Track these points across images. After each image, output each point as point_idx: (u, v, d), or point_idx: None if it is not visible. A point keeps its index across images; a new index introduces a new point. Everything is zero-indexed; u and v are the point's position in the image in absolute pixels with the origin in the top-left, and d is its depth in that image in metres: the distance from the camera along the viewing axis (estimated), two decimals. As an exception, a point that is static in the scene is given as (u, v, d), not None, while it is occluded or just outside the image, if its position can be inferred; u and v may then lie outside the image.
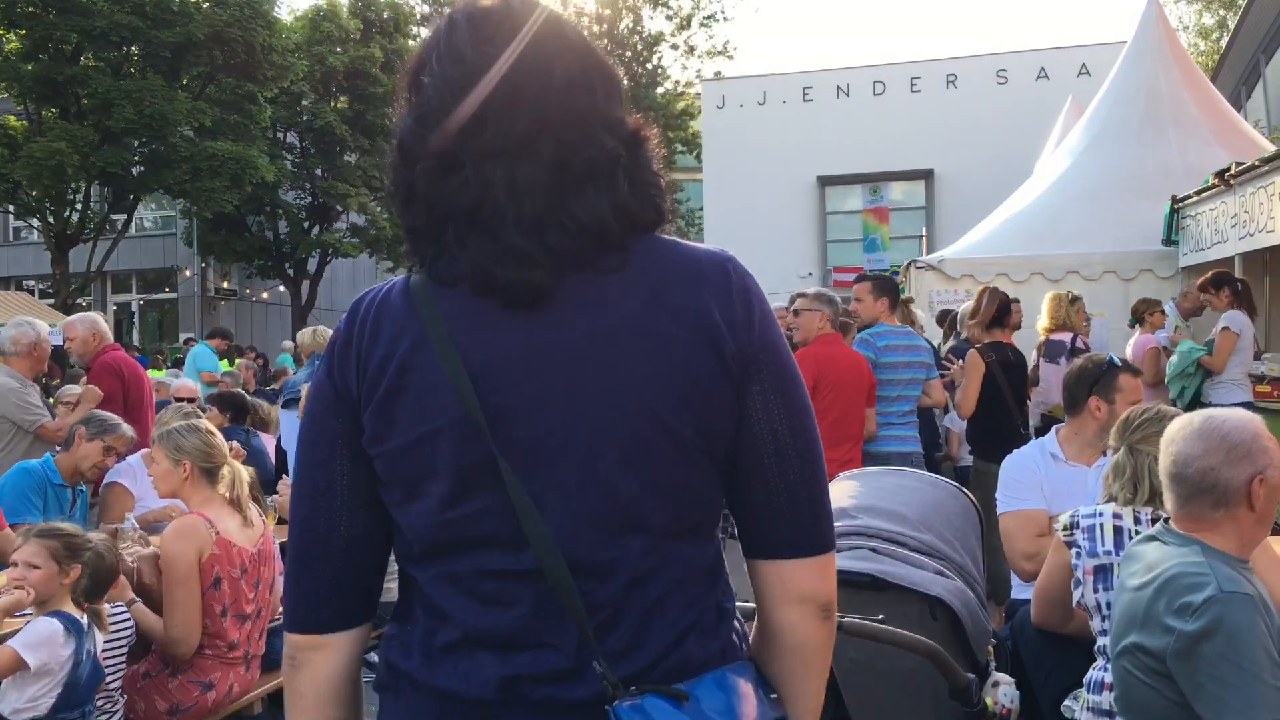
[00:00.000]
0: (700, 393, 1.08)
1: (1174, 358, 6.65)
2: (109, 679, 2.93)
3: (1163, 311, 7.34)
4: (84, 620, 2.79)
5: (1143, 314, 7.50)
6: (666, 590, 1.08)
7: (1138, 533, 2.43)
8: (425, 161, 1.09)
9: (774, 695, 1.15)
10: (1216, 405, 6.10)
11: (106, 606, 2.95)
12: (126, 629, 3.09)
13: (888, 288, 5.30)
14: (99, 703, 2.89)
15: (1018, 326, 7.84)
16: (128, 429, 4.40)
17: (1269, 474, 2.00)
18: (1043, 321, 6.63)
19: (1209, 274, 6.87)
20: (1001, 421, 5.24)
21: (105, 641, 2.89)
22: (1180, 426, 2.09)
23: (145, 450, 4.69)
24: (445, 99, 1.08)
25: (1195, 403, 6.33)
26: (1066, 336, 6.42)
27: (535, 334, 1.07)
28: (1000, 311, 5.56)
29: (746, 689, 1.08)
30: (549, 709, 1.04)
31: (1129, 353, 6.96)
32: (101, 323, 5.82)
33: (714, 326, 1.09)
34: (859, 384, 4.69)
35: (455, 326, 1.07)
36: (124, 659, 3.08)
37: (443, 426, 1.06)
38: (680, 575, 1.10)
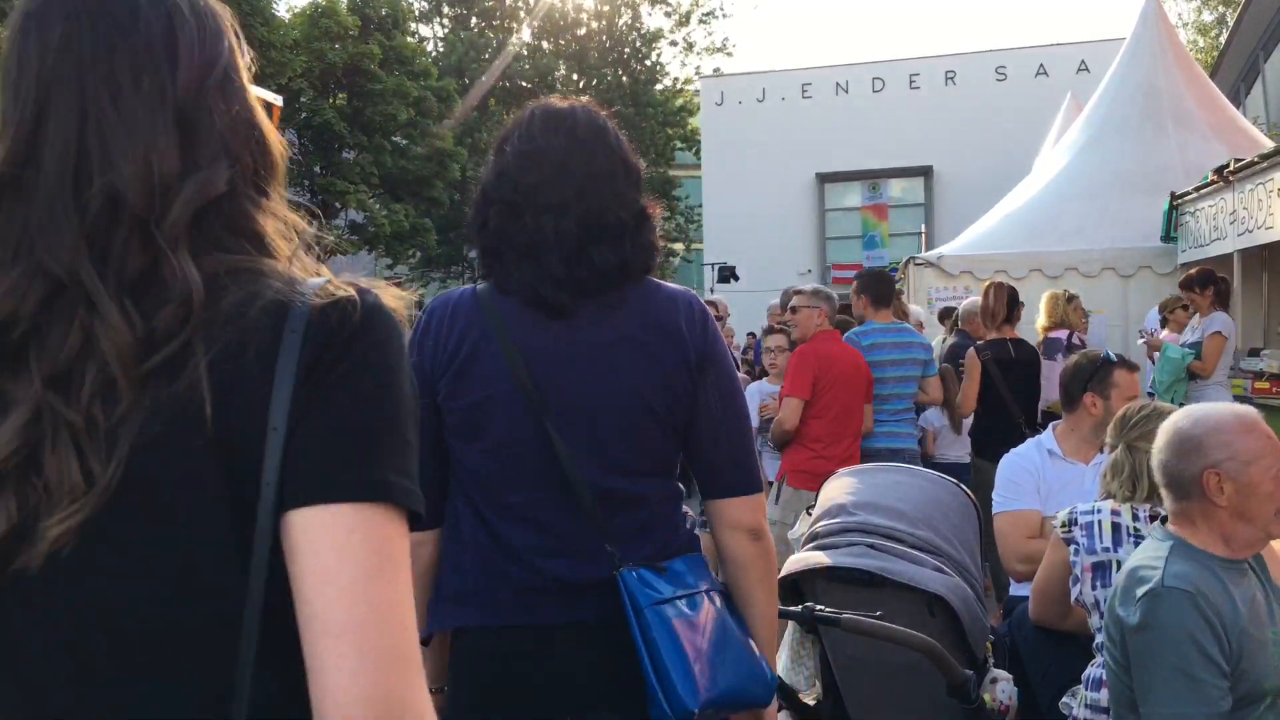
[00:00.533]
0: (670, 385, 1.59)
1: (1160, 363, 6.60)
2: None
3: (1184, 308, 7.02)
4: None
5: (1174, 308, 7.23)
6: (647, 509, 1.61)
7: (1136, 529, 2.44)
8: (498, 205, 1.61)
9: (722, 580, 1.68)
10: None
11: None
12: None
13: (869, 284, 5.28)
14: None
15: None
16: None
17: (1226, 466, 1.99)
18: (1040, 320, 6.64)
19: (1193, 271, 6.76)
20: (997, 419, 5.24)
21: None
22: (1174, 424, 2.11)
23: None
24: (518, 165, 1.61)
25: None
26: (1064, 334, 6.44)
27: (564, 337, 1.57)
28: (1010, 305, 5.57)
29: (703, 565, 1.64)
30: (576, 590, 1.54)
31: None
32: None
33: (683, 342, 1.60)
34: (858, 381, 4.69)
35: (511, 325, 1.57)
36: None
37: (496, 394, 1.55)
38: (655, 500, 1.63)
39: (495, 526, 1.58)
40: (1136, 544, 2.42)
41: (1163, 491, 2.11)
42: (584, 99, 1.79)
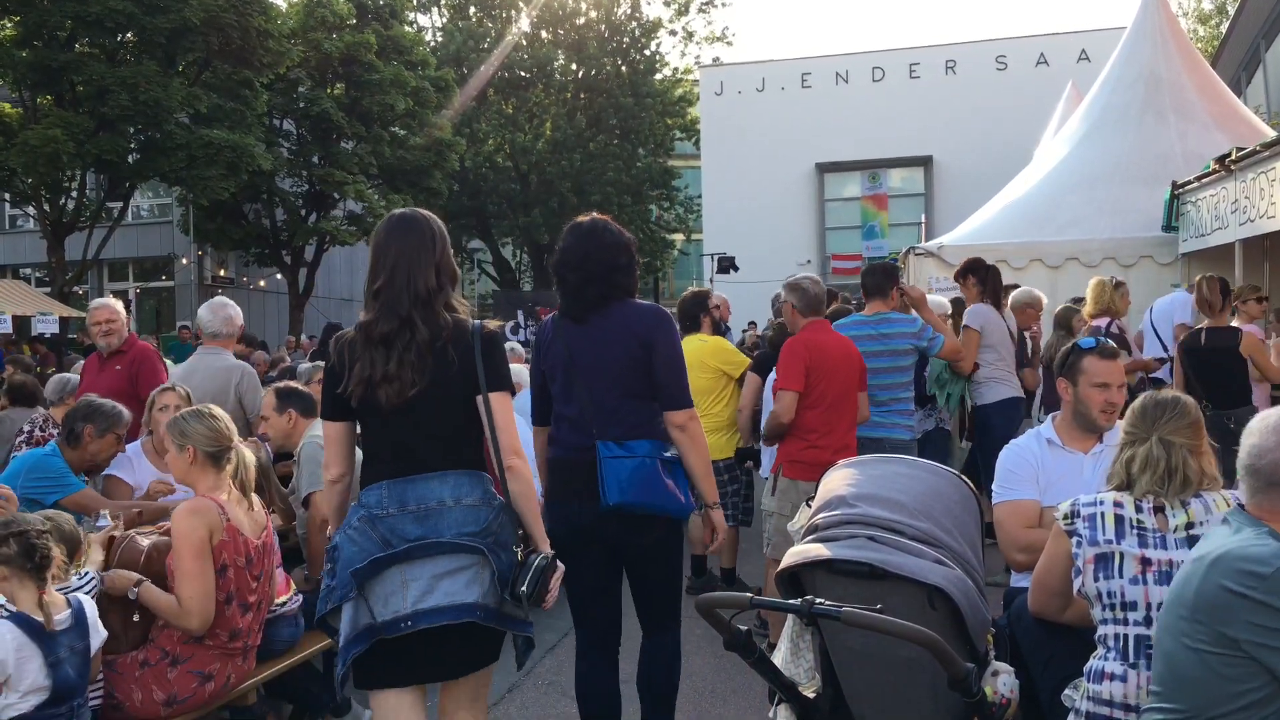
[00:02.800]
0: (638, 357, 3.16)
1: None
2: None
3: (1258, 300, 6.71)
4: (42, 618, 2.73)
5: (1246, 298, 6.84)
6: (629, 415, 3.15)
7: (1139, 521, 2.42)
8: (559, 269, 3.27)
9: (675, 455, 3.17)
10: (981, 405, 6.06)
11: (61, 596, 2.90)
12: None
13: (863, 276, 5.39)
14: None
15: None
16: (125, 412, 4.40)
17: None
18: (1086, 308, 6.67)
19: (963, 261, 6.56)
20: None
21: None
22: (1261, 419, 2.07)
23: (145, 439, 4.69)
24: (564, 249, 3.27)
25: (962, 405, 6.28)
26: (1104, 322, 6.45)
27: (583, 334, 3.21)
28: (1224, 294, 6.14)
29: (653, 444, 3.13)
30: (581, 458, 3.12)
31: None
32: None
33: (643, 334, 3.17)
34: (849, 370, 4.66)
35: (562, 329, 3.27)
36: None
37: (558, 365, 3.24)
38: (635, 411, 3.17)
39: (558, 421, 3.29)
40: (1139, 536, 2.40)
41: (1252, 486, 2.05)
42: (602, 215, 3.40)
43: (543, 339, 3.35)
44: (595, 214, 3.36)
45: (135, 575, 3.23)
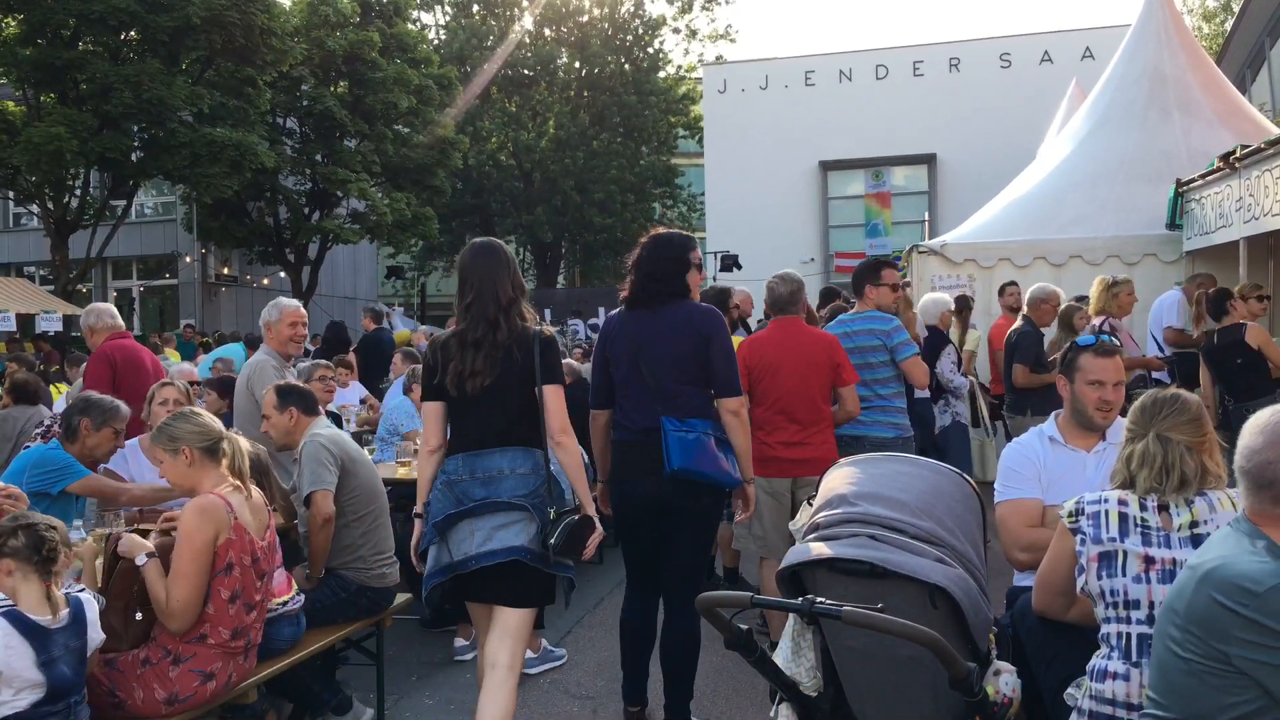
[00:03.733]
0: (696, 348, 3.70)
1: None
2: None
3: (1259, 299, 6.77)
4: (42, 618, 2.70)
5: (1249, 296, 6.89)
6: (688, 399, 3.68)
7: (1143, 519, 2.40)
8: (635, 270, 3.85)
9: (724, 439, 3.74)
10: None
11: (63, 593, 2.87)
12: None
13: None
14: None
15: (1014, 308, 7.94)
16: (124, 406, 4.40)
17: None
18: (1090, 306, 6.91)
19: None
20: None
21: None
22: (1253, 420, 2.05)
23: (143, 435, 4.68)
24: (641, 259, 3.86)
25: (974, 397, 6.45)
26: (1099, 320, 6.66)
27: (650, 324, 3.75)
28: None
29: (708, 422, 3.70)
30: (646, 439, 3.65)
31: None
32: (106, 314, 5.87)
33: (701, 328, 3.73)
34: (806, 367, 4.66)
35: (630, 320, 3.81)
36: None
37: (624, 354, 3.77)
38: (693, 395, 3.71)
39: (621, 405, 3.80)
40: (1143, 534, 2.39)
41: (1245, 488, 2.02)
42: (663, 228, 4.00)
43: (608, 331, 3.86)
44: (666, 227, 4.09)
45: (148, 545, 3.22)
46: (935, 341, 6.89)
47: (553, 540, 3.10)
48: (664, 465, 3.55)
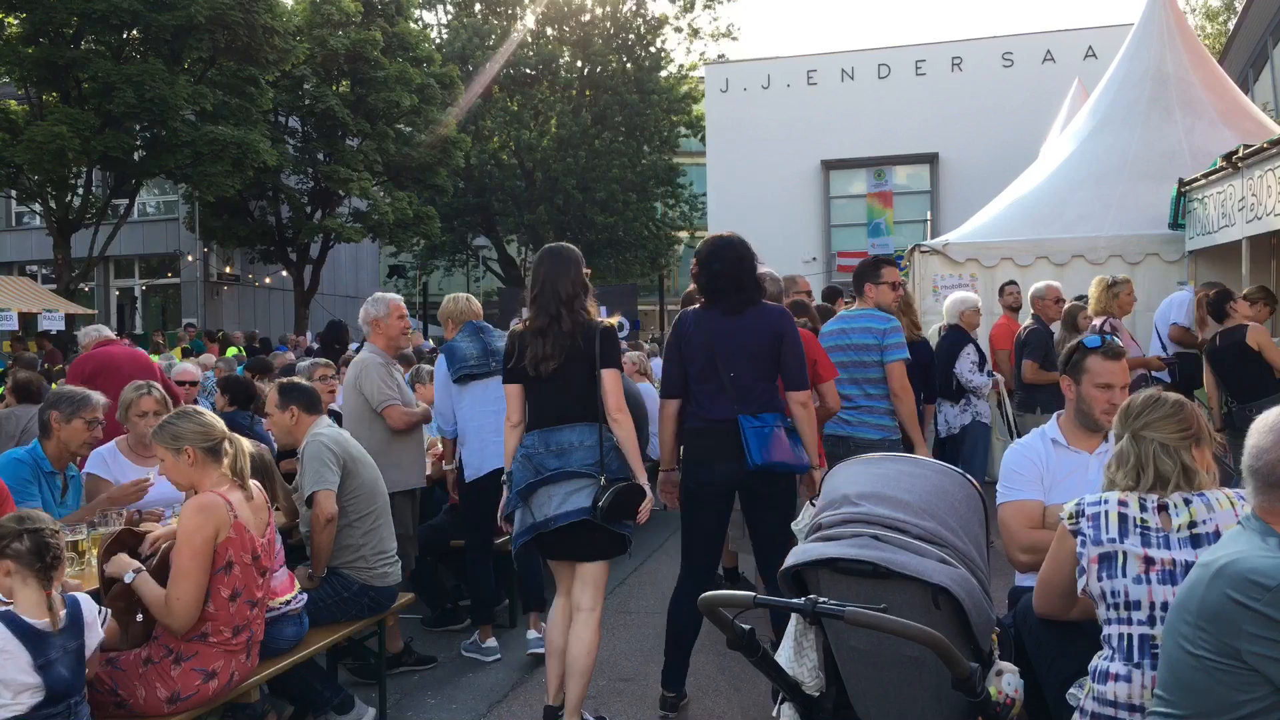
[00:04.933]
0: (772, 347, 4.01)
1: None
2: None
3: (1266, 303, 6.75)
4: (39, 622, 2.70)
5: (1255, 299, 6.88)
6: (759, 394, 3.97)
7: (1143, 520, 2.40)
8: (700, 281, 4.15)
9: (792, 428, 4.04)
10: None
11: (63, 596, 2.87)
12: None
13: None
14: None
15: (1014, 307, 7.95)
16: (96, 395, 4.31)
17: None
18: (1091, 305, 6.97)
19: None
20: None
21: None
22: (1261, 419, 2.05)
23: (122, 438, 4.65)
24: (702, 261, 4.15)
25: (1001, 403, 6.55)
26: (1100, 320, 6.71)
27: (730, 325, 4.02)
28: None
29: (778, 414, 3.98)
30: (723, 428, 3.93)
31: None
32: (93, 331, 6.69)
33: (776, 327, 4.03)
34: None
35: (705, 320, 4.07)
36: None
37: (700, 351, 4.03)
38: (765, 390, 4.00)
39: (697, 397, 4.03)
40: (1142, 534, 2.39)
41: (1253, 487, 2.02)
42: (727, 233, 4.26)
43: (684, 330, 4.11)
44: (725, 232, 4.27)
45: (134, 562, 3.22)
46: (956, 341, 6.84)
47: (600, 503, 3.60)
48: (745, 455, 3.86)
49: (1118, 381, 3.18)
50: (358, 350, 5.43)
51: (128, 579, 3.17)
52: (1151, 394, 2.58)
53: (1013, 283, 8.31)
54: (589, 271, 4.05)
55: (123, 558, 3.25)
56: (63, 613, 2.77)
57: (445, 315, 5.25)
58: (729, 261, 4.04)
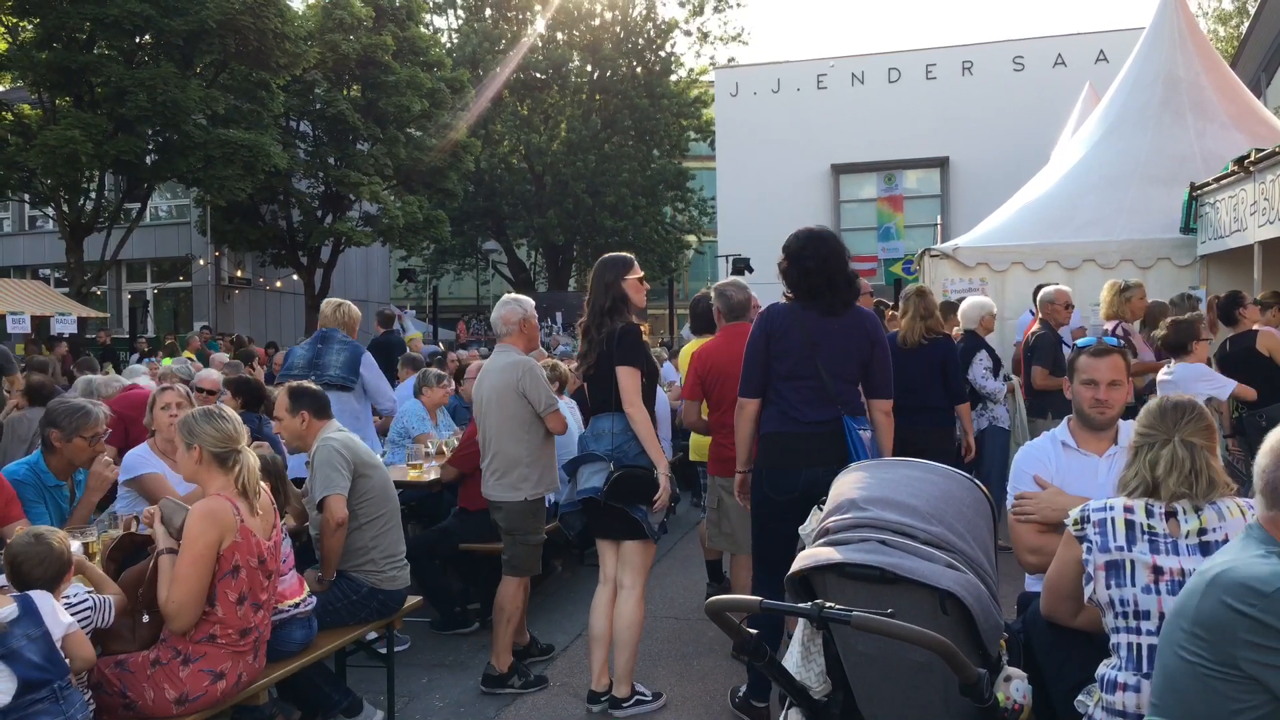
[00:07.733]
0: (864, 348, 3.93)
1: None
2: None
3: (1278, 308, 6.74)
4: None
5: (1270, 305, 6.87)
6: (851, 397, 3.91)
7: (1150, 527, 2.39)
8: (791, 277, 4.00)
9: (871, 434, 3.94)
10: None
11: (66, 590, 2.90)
12: (86, 618, 3.06)
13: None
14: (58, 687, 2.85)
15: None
16: (96, 410, 4.27)
17: None
18: (1102, 310, 6.94)
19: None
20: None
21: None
22: (1268, 441, 2.02)
23: (151, 439, 4.68)
24: (800, 254, 3.95)
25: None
26: (1112, 324, 6.67)
27: (831, 325, 3.90)
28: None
29: (864, 420, 3.93)
30: (820, 430, 3.84)
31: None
32: (114, 383, 6.61)
33: (870, 331, 3.95)
34: None
35: (802, 319, 3.91)
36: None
37: (794, 348, 3.89)
38: (855, 393, 3.94)
39: (787, 397, 3.90)
40: (1150, 542, 2.37)
41: (1265, 501, 1.98)
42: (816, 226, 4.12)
43: (774, 327, 3.94)
44: (814, 225, 4.14)
45: (171, 542, 3.23)
46: (970, 346, 6.81)
47: (604, 486, 4.04)
48: (847, 457, 3.70)
49: (1103, 378, 3.16)
50: (463, 350, 5.56)
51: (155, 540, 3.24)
52: (1190, 400, 2.57)
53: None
54: (640, 274, 4.33)
55: (161, 531, 3.29)
56: (10, 607, 2.75)
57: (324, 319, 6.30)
58: (820, 258, 3.90)
